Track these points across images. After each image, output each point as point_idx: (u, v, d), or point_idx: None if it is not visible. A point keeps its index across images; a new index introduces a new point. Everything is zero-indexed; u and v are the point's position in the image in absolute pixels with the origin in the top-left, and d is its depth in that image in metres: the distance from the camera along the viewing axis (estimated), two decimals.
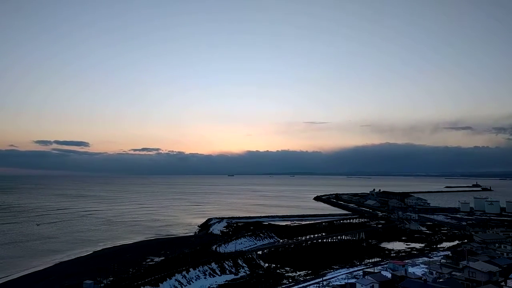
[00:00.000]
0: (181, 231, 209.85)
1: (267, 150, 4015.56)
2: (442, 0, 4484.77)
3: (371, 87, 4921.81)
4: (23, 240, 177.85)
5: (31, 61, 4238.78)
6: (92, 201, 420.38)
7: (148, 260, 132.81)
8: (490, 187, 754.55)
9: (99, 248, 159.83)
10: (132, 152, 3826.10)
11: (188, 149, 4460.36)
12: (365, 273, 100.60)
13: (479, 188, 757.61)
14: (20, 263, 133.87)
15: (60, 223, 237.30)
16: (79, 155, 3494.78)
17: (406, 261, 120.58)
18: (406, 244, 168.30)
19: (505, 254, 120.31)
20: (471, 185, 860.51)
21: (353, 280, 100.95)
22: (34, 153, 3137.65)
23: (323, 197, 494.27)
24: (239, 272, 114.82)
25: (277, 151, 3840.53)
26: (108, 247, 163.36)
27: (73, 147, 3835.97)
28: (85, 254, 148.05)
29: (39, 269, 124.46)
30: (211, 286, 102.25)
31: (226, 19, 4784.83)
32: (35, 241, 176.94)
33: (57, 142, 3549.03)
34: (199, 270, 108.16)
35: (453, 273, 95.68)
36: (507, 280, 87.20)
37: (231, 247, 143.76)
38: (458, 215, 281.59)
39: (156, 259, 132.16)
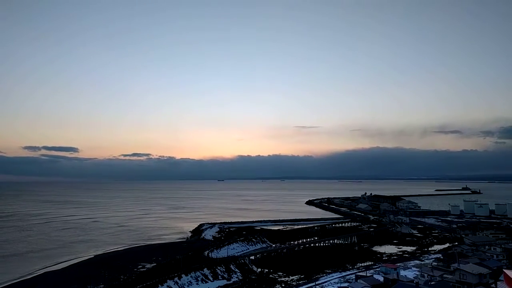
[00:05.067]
0: (172, 237, 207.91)
1: (259, 155, 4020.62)
2: (431, 6, 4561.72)
3: (361, 91, 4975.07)
4: (8, 248, 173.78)
5: (22, 69, 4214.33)
6: (81, 208, 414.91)
7: (140, 266, 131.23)
8: (479, 190, 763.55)
9: (89, 255, 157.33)
10: (122, 157, 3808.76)
11: (179, 154, 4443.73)
12: (358, 277, 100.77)
13: (468, 191, 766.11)
14: (5, 271, 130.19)
15: (47, 231, 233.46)
16: (69, 161, 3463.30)
17: (398, 264, 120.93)
18: (398, 248, 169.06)
19: (495, 256, 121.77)
20: (460, 188, 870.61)
21: (345, 284, 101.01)
22: (23, 159, 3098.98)
23: (315, 201, 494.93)
24: (232, 278, 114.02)
25: (269, 155, 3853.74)
26: (98, 254, 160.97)
27: (62, 152, 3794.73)
28: (75, 262, 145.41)
29: (25, 278, 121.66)
30: None
31: (217, 26, 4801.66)
32: (20, 249, 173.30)
33: (45, 148, 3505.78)
34: (191, 276, 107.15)
35: (445, 275, 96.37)
36: (497, 282, 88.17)
37: (223, 252, 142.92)
38: (448, 218, 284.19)
39: (148, 266, 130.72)
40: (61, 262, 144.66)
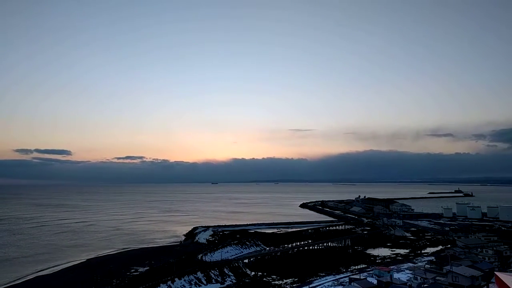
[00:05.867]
0: (166, 240, 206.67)
1: (253, 158, 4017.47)
2: (425, 7, 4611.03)
3: (356, 94, 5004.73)
4: None
5: (16, 72, 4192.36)
6: (73, 211, 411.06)
7: (133, 270, 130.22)
8: (471, 193, 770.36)
9: (81, 259, 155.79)
10: (115, 160, 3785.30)
11: (173, 157, 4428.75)
12: (351, 280, 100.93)
13: (461, 194, 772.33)
14: None
15: (39, 234, 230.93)
16: (61, 164, 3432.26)
17: (391, 267, 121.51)
18: (391, 250, 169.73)
19: (486, 258, 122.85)
20: (453, 191, 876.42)
21: (339, 287, 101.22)
22: (14, 162, 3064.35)
23: (309, 204, 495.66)
24: (225, 281, 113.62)
25: (263, 158, 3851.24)
26: (91, 257, 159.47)
27: (55, 155, 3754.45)
28: (67, 266, 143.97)
29: (16, 283, 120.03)
30: None
31: (213, 28, 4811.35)
32: (11, 253, 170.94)
33: (38, 150, 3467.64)
34: (184, 280, 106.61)
35: (437, 278, 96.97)
36: (489, 284, 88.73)
37: (217, 255, 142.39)
38: (441, 221, 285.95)
39: (141, 269, 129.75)
40: (53, 267, 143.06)
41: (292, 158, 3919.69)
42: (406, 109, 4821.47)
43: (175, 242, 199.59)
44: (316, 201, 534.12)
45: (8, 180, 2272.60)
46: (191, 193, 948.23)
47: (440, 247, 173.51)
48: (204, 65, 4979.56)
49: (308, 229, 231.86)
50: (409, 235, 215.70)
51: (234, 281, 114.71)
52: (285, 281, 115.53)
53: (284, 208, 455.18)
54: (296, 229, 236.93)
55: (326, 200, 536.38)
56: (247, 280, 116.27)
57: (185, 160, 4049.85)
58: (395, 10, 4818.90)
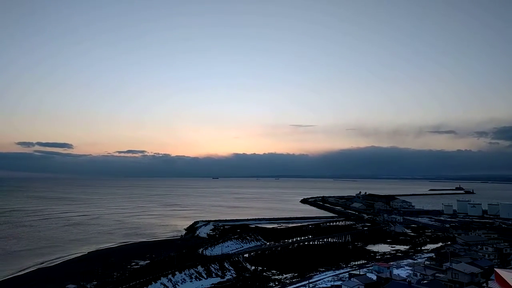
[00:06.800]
0: (167, 234, 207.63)
1: (254, 153, 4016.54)
2: (427, 5, 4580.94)
3: (357, 90, 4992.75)
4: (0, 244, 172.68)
5: (19, 66, 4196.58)
6: (74, 204, 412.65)
7: (133, 263, 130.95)
8: (472, 190, 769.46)
9: (82, 252, 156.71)
10: (117, 154, 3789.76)
11: (174, 152, 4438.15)
12: (351, 275, 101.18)
13: (462, 191, 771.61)
14: None
15: (40, 227, 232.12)
16: (63, 157, 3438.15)
17: (391, 263, 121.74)
18: (391, 246, 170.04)
19: (486, 255, 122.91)
20: (454, 188, 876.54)
21: (339, 282, 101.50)
22: (16, 155, 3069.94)
23: (310, 200, 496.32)
24: (226, 275, 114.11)
25: (264, 153, 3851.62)
26: (92, 250, 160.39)
27: (57, 149, 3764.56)
28: (68, 258, 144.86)
29: (19, 274, 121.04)
30: None
31: (214, 24, 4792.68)
32: (13, 245, 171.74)
33: (39, 143, 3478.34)
34: (185, 274, 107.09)
35: (437, 274, 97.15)
36: (489, 281, 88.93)
37: (217, 250, 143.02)
38: (441, 218, 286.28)
39: (142, 263, 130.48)
40: (54, 259, 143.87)
41: (293, 154, 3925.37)
42: (408, 105, 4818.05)
43: (176, 236, 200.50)
44: (317, 197, 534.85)
45: (10, 173, 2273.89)
46: (192, 188, 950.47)
47: (440, 244, 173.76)
48: (206, 60, 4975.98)
49: (308, 225, 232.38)
50: (409, 231, 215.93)
51: (234, 275, 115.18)
52: (285, 276, 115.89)
53: (285, 204, 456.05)
54: (297, 225, 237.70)
55: (326, 196, 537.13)
56: (247, 275, 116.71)
57: (186, 155, 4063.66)
58: (397, 7, 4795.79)
